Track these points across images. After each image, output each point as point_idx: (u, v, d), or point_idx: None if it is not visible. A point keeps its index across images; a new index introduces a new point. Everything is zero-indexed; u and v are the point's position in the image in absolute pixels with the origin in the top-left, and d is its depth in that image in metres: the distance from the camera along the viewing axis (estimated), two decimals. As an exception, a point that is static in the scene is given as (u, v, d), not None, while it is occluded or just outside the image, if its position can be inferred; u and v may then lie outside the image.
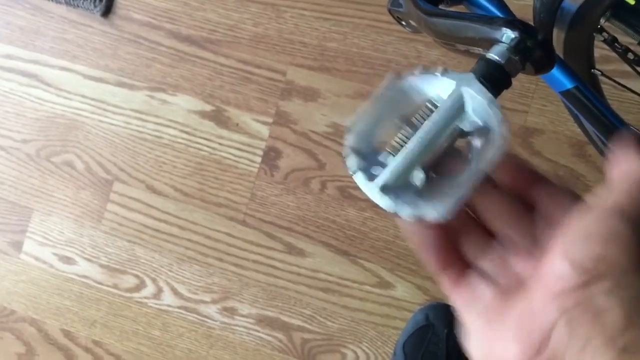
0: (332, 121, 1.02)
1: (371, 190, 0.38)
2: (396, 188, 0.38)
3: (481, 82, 0.40)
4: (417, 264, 0.98)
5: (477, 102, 0.39)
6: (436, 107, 0.40)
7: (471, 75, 0.39)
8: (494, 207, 0.36)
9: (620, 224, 0.27)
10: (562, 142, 0.95)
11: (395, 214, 0.37)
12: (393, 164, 0.38)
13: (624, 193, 0.28)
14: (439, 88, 0.39)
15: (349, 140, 0.39)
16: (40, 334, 1.10)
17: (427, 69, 0.38)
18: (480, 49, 0.47)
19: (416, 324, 0.92)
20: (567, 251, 0.27)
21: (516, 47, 0.41)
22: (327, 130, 1.02)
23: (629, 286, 0.25)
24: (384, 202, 0.37)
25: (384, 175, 0.38)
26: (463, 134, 0.40)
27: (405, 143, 0.39)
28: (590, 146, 0.94)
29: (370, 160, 0.39)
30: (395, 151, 0.39)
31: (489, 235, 0.35)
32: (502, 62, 0.41)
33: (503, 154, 0.37)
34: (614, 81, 0.64)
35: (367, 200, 1.05)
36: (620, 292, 0.25)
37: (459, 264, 0.34)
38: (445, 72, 0.39)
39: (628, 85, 0.70)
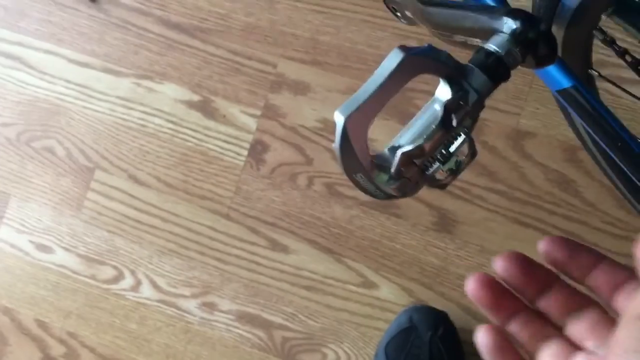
0: (322, 116, 1.00)
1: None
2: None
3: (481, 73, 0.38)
4: (403, 265, 0.96)
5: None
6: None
7: (470, 68, 0.37)
8: (554, 297, 0.32)
9: None
10: (554, 147, 0.93)
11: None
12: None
13: None
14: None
15: (341, 132, 0.36)
16: (14, 324, 1.07)
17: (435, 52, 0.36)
18: (478, 39, 0.45)
19: (399, 326, 0.90)
20: None
21: (517, 38, 0.39)
22: (316, 125, 1.00)
23: None
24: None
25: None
26: None
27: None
28: (582, 151, 0.93)
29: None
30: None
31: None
32: (502, 53, 0.39)
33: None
34: (612, 82, 0.62)
35: (354, 198, 1.03)
36: None
37: None
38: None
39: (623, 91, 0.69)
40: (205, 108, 1.03)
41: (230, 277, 1.01)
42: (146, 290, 1.03)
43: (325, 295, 0.98)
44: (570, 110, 0.60)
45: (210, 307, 1.01)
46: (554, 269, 0.32)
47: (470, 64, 0.39)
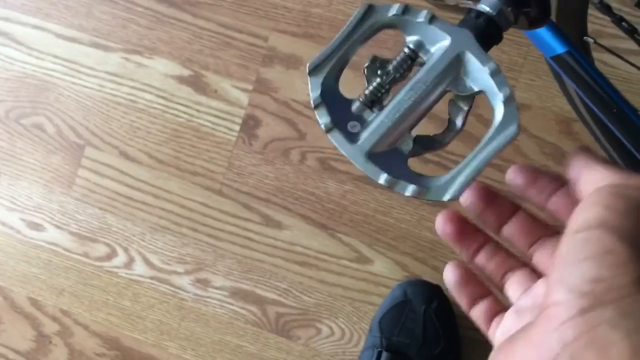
0: (314, 90, 0.98)
1: (354, 155, 0.35)
2: (381, 154, 0.35)
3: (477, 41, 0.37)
4: (397, 239, 0.95)
5: (475, 67, 0.36)
6: (420, 60, 0.37)
7: (467, 33, 0.36)
8: (516, 225, 0.34)
9: (613, 241, 0.24)
10: (549, 119, 0.93)
11: (390, 188, 0.34)
12: (379, 125, 0.35)
13: (606, 209, 0.25)
14: (423, 35, 0.36)
15: (314, 86, 0.35)
16: (6, 302, 1.07)
17: (409, 10, 0.35)
18: (470, 1, 0.44)
19: (393, 300, 0.89)
20: (563, 277, 0.24)
21: (509, -3, 0.38)
22: (308, 99, 0.99)
23: (633, 313, 0.22)
24: (373, 172, 0.34)
25: (369, 138, 0.35)
26: (459, 96, 0.37)
27: (382, 94, 0.36)
28: (577, 123, 0.92)
29: (341, 111, 0.36)
30: (370, 103, 0.36)
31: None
32: (494, 13, 0.38)
33: (517, 133, 0.34)
34: (607, 50, 0.61)
35: (348, 173, 1.02)
36: (625, 321, 0.22)
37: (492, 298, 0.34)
38: (433, 20, 0.36)
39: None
40: (196, 83, 1.02)
41: (224, 253, 1.00)
42: (139, 267, 1.03)
43: (319, 270, 0.98)
44: (564, 77, 0.59)
45: (204, 283, 1.01)
46: (516, 196, 0.34)
47: (459, 26, 0.38)
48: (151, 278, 1.02)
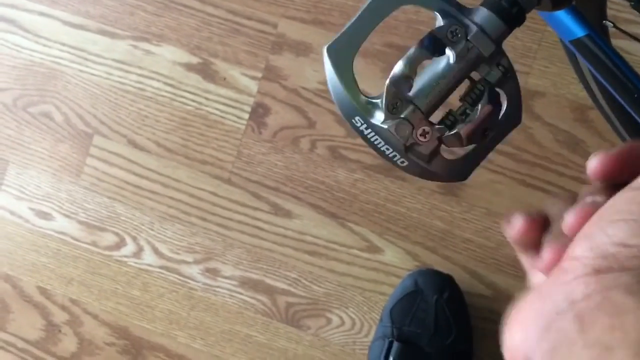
0: (325, 78, 0.97)
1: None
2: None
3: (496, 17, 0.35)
4: (408, 229, 0.94)
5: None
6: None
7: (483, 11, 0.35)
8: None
9: None
10: (563, 106, 0.91)
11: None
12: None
13: None
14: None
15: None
16: (15, 291, 1.07)
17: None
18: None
19: (404, 290, 0.88)
20: (591, 233, 0.22)
21: (532, -24, 0.37)
22: (318, 87, 0.98)
23: None
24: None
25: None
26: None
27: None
28: (592, 111, 0.90)
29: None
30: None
31: None
32: (515, -7, 0.37)
33: (520, 117, 0.33)
34: (627, 34, 0.59)
35: (358, 161, 1.01)
36: (638, 289, 0.20)
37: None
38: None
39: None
40: (204, 71, 1.01)
41: (233, 242, 1.00)
42: (148, 257, 1.02)
43: (329, 260, 0.97)
44: (583, 62, 0.57)
45: (213, 273, 1.00)
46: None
47: (481, 7, 0.36)
48: (160, 267, 1.02)
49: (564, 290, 0.22)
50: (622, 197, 0.23)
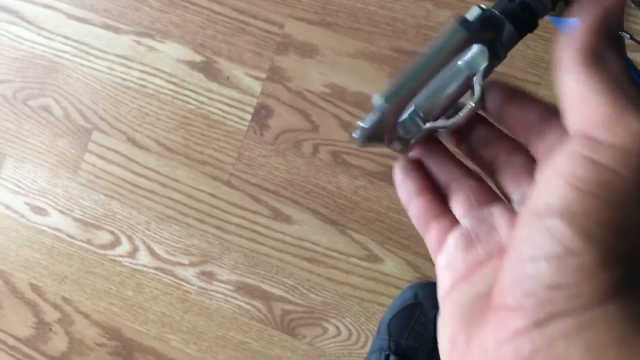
0: (330, 81, 0.95)
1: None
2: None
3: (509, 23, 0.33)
4: (409, 239, 0.92)
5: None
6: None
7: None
8: (477, 137, 0.29)
9: (576, 239, 0.19)
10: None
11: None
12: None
13: (573, 188, 0.20)
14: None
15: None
16: (7, 287, 1.05)
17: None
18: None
19: (404, 302, 0.86)
20: (518, 275, 0.20)
21: (548, -20, 0.35)
22: (323, 90, 0.95)
23: (593, 327, 0.19)
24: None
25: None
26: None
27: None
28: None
29: None
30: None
31: (482, 186, 0.29)
32: (529, -3, 0.34)
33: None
34: (645, 46, 0.57)
35: (361, 168, 0.99)
36: (582, 335, 0.19)
37: (446, 219, 0.28)
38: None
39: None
40: (208, 69, 0.99)
41: (230, 246, 0.97)
42: (143, 257, 1.00)
43: (327, 267, 0.94)
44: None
45: (209, 276, 0.98)
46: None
47: (490, 9, 0.34)
48: (155, 268, 1.00)
49: (511, 349, 0.20)
50: (535, 227, 0.20)
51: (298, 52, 0.96)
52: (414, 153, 0.31)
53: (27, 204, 1.04)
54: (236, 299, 0.97)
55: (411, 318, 0.84)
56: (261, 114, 0.97)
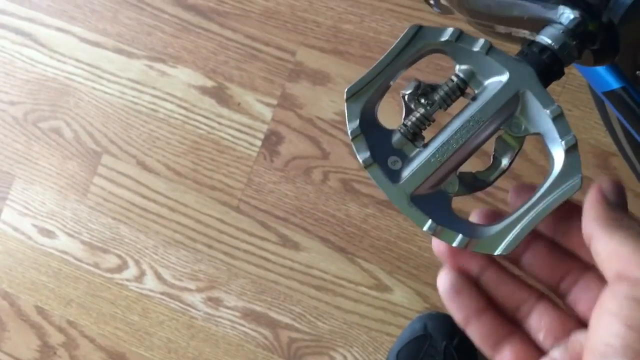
0: (341, 108, 0.95)
1: (396, 197, 0.31)
2: (424, 195, 0.32)
3: (540, 80, 0.33)
4: (419, 268, 0.91)
5: (535, 108, 0.32)
6: (470, 92, 0.33)
7: (527, 69, 0.32)
8: (538, 257, 0.30)
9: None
10: (585, 152, 0.88)
11: (434, 236, 0.31)
12: (425, 165, 0.31)
13: (630, 329, 0.22)
14: (476, 66, 0.32)
15: (353, 114, 0.32)
16: (13, 309, 1.04)
17: (465, 37, 0.31)
18: (526, 31, 0.40)
19: (413, 333, 0.85)
20: None
21: (575, 30, 0.34)
22: (334, 117, 0.95)
23: None
24: (417, 217, 0.31)
25: (413, 179, 0.31)
26: (510, 135, 0.33)
27: (425, 127, 0.32)
28: (615, 158, 0.87)
29: (380, 143, 0.32)
30: (412, 136, 0.32)
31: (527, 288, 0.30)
32: (556, 47, 0.34)
33: (580, 186, 0.30)
34: (662, 86, 0.57)
35: (370, 196, 0.98)
36: None
37: (519, 340, 0.29)
38: (490, 51, 0.32)
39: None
40: (219, 95, 0.99)
41: (238, 272, 0.97)
42: (150, 282, 1.00)
43: (335, 296, 0.94)
44: (614, 112, 0.55)
45: (216, 302, 0.97)
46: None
47: (518, 59, 0.34)
48: (162, 293, 0.99)
49: None
50: (605, 325, 0.22)
51: (309, 79, 0.96)
52: (467, 266, 0.31)
53: (35, 226, 1.04)
54: (243, 325, 0.96)
55: (420, 350, 0.84)
56: (271, 140, 0.97)
